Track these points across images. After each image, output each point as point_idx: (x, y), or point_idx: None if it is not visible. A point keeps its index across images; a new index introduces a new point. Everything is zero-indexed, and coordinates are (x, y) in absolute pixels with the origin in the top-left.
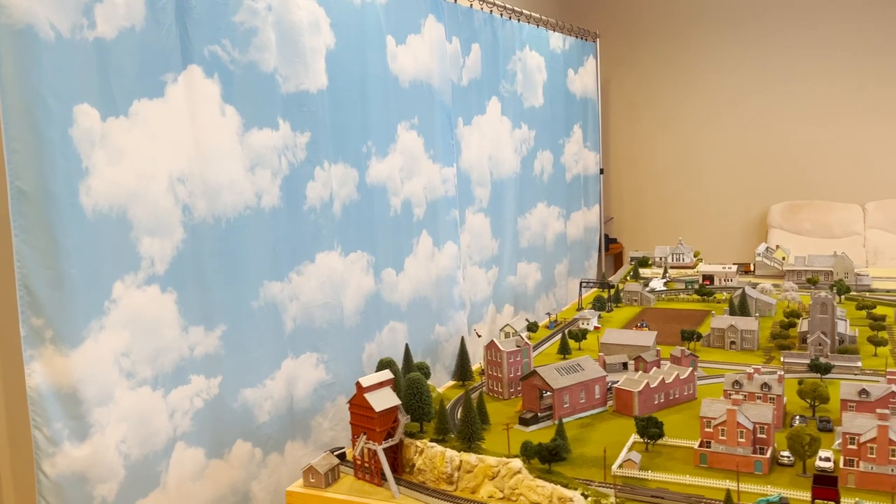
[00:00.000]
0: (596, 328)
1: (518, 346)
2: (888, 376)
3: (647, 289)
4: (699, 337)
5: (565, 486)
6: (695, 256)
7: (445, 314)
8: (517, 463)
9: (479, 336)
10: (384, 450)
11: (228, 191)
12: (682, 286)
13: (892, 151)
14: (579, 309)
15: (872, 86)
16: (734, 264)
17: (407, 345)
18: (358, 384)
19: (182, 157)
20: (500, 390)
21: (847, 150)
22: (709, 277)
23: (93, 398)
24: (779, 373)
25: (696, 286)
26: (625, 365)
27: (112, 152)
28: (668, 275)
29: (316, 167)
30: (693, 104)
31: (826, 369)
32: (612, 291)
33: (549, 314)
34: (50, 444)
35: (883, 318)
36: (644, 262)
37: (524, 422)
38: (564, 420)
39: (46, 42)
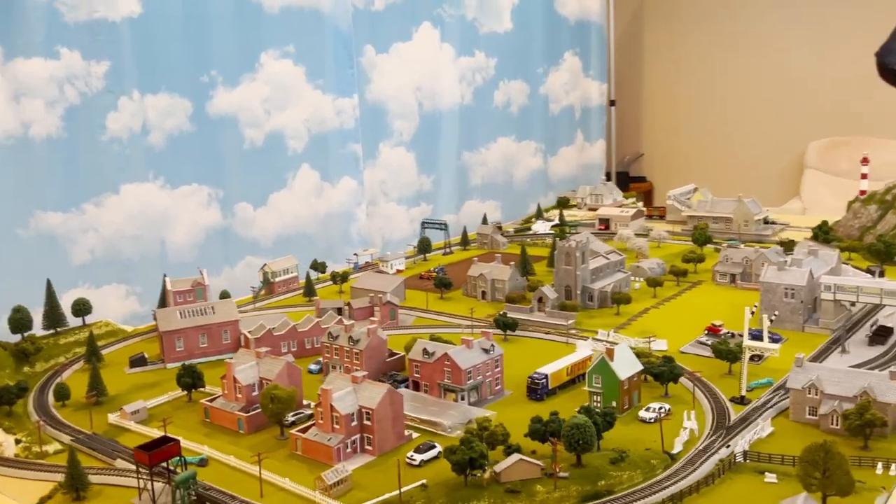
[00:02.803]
0: (399, 271)
1: (192, 287)
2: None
3: (530, 231)
4: (449, 285)
5: None
6: (625, 198)
7: (340, 251)
8: None
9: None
10: None
11: None
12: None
13: None
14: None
15: None
16: (645, 208)
17: (48, 280)
18: None
19: None
20: None
21: None
22: (605, 221)
23: None
24: (369, 327)
25: (569, 230)
26: (339, 310)
27: None
28: (561, 218)
29: (121, 97)
30: (736, 34)
31: (508, 326)
32: (459, 237)
33: (356, 254)
34: None
35: (684, 272)
36: (565, 202)
37: (131, 364)
38: (177, 364)
39: None
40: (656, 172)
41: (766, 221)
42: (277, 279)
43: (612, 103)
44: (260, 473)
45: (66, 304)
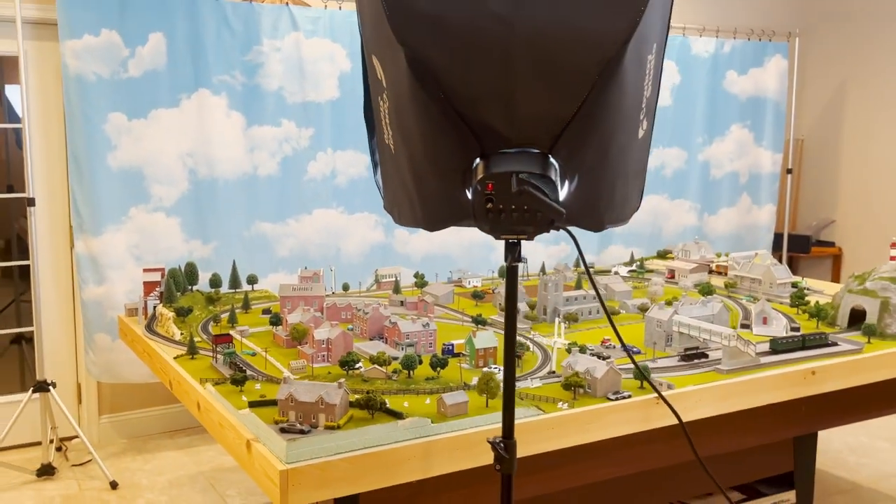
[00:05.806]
0: (475, 286)
1: (311, 275)
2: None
3: (613, 271)
4: (481, 296)
5: None
6: (717, 256)
7: (474, 272)
8: None
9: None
10: None
11: (227, 162)
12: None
13: None
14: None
15: None
16: (711, 264)
17: (234, 261)
18: None
19: (191, 141)
20: None
21: None
22: (672, 272)
23: (107, 264)
24: (374, 305)
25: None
26: (402, 303)
27: (135, 137)
28: (641, 265)
29: (318, 152)
30: None
31: (479, 322)
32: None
33: (451, 272)
34: (84, 284)
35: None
36: (663, 255)
37: (263, 312)
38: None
39: (91, 82)
40: (849, 239)
41: (794, 286)
42: (384, 280)
43: (788, 171)
44: (266, 356)
45: (268, 282)
